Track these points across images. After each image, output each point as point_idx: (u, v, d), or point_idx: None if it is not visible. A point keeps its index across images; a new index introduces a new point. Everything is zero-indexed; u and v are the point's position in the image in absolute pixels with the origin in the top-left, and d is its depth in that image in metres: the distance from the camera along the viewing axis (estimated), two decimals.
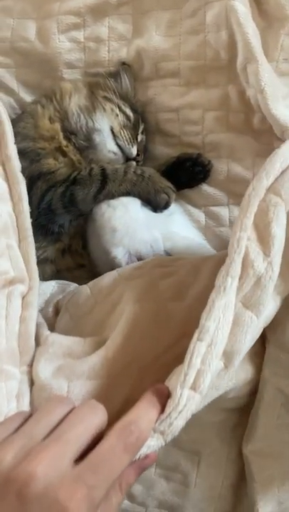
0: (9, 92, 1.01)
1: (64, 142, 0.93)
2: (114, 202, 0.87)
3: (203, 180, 0.95)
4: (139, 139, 0.97)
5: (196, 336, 0.56)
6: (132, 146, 0.94)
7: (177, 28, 0.94)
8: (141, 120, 0.98)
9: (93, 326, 0.73)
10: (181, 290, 0.69)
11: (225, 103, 0.94)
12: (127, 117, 0.96)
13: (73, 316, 0.76)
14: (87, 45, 0.97)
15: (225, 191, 0.96)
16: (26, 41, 0.98)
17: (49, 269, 0.90)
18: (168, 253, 0.86)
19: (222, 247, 0.94)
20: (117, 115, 0.95)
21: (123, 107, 0.96)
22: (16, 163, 0.81)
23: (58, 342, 0.69)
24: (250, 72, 0.86)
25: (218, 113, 0.95)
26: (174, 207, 0.93)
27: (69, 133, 0.94)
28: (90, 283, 0.79)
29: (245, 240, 0.59)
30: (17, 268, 0.74)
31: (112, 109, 0.95)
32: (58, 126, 0.94)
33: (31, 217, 0.84)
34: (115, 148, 0.93)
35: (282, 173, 0.63)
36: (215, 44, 0.92)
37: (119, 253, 0.83)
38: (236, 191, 0.96)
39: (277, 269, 0.60)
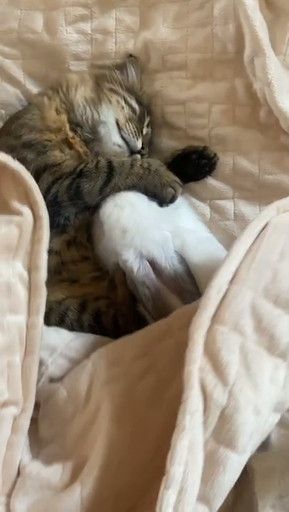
0: (16, 83, 1.01)
1: (70, 134, 0.93)
2: (120, 201, 0.85)
3: (209, 173, 0.95)
4: (144, 132, 0.96)
5: (163, 484, 0.51)
6: (137, 139, 0.93)
7: (184, 20, 0.94)
8: (146, 113, 0.98)
9: (74, 439, 0.70)
10: (159, 393, 0.65)
11: (231, 96, 0.94)
12: (133, 110, 0.96)
13: (54, 423, 0.73)
14: (94, 36, 0.97)
15: (230, 185, 0.96)
16: (33, 32, 0.98)
17: (54, 261, 0.90)
18: (178, 254, 0.84)
19: (227, 241, 0.94)
20: (123, 107, 0.94)
21: (129, 100, 0.96)
22: (43, 275, 0.75)
23: (36, 473, 0.66)
24: (257, 65, 0.86)
25: (225, 106, 0.94)
26: (179, 200, 0.92)
27: (75, 125, 0.94)
28: (66, 382, 0.75)
29: (195, 373, 0.55)
30: (13, 389, 0.71)
31: (117, 102, 0.95)
32: (64, 117, 0.93)
33: None
34: (120, 141, 0.93)
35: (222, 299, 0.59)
36: (222, 37, 0.92)
37: (130, 256, 0.81)
38: (242, 185, 0.96)
39: (252, 394, 0.55)
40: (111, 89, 0.96)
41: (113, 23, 0.97)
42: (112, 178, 0.86)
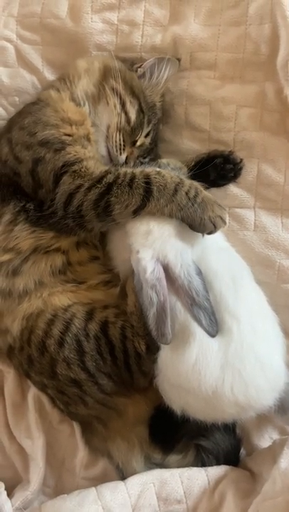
0: (33, 70, 0.96)
1: (91, 130, 0.86)
2: None
3: (234, 179, 0.90)
4: (138, 143, 0.88)
5: None
6: (121, 154, 0.85)
7: (217, 17, 0.90)
8: (147, 122, 0.89)
9: None
10: None
11: (260, 100, 0.90)
12: (127, 120, 0.87)
13: None
14: (120, 27, 0.93)
15: (252, 193, 0.91)
16: (57, 18, 0.93)
17: (59, 260, 0.84)
18: (196, 265, 0.77)
19: (245, 252, 0.88)
20: (118, 114, 0.86)
21: (128, 106, 0.87)
22: None
23: None
24: None
25: (253, 110, 0.90)
26: None
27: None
28: None
29: None
30: None
31: (114, 106, 0.86)
32: (85, 110, 0.86)
33: (55, 215, 0.78)
34: (104, 151, 0.86)
35: None
36: (256, 37, 0.88)
37: (147, 256, 0.75)
38: (265, 194, 0.91)
39: None
40: (113, 89, 0.87)
41: (141, 14, 0.92)
42: (148, 202, 0.76)
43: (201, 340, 0.74)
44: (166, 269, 0.76)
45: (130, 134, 0.86)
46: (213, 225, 0.77)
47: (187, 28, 0.90)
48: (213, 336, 0.72)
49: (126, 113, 0.86)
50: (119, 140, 0.85)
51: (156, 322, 0.73)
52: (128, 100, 0.87)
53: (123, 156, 0.86)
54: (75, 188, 0.78)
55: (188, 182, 0.78)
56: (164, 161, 0.90)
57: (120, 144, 0.85)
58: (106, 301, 0.84)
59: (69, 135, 0.83)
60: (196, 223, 0.76)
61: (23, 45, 0.94)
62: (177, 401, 0.78)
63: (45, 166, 0.79)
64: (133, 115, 0.87)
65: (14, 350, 0.84)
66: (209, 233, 0.78)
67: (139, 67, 0.91)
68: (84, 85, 0.87)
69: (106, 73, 0.88)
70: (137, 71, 0.91)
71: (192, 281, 0.74)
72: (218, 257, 0.80)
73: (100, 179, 0.77)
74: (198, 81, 0.92)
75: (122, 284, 0.84)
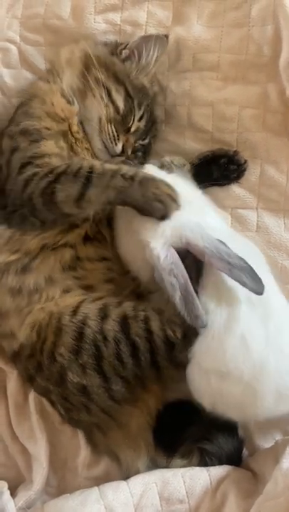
0: (36, 71, 0.96)
1: (76, 128, 0.85)
2: None
3: (237, 179, 0.90)
4: (133, 129, 0.88)
5: None
6: (116, 144, 0.85)
7: (220, 19, 0.90)
8: (138, 106, 0.87)
9: None
10: None
11: (263, 101, 0.90)
12: (116, 109, 0.86)
13: None
14: (123, 28, 0.93)
15: (255, 194, 0.92)
16: (59, 19, 0.93)
17: (68, 255, 0.83)
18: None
19: None
20: (107, 105, 0.85)
21: (114, 94, 0.86)
22: None
23: None
24: None
25: (255, 111, 0.90)
26: (204, 199, 0.86)
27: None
28: None
29: None
30: None
31: (101, 98, 0.85)
32: (75, 109, 0.86)
33: (15, 206, 0.79)
34: (100, 144, 0.86)
35: None
36: (258, 39, 0.88)
37: (158, 244, 0.74)
38: (267, 195, 0.91)
39: None
40: (96, 80, 0.86)
41: (144, 15, 0.93)
42: (86, 190, 0.75)
43: (244, 316, 0.73)
44: (191, 247, 0.75)
45: (122, 122, 0.86)
46: (162, 203, 0.74)
47: (190, 29, 0.91)
48: (260, 293, 0.71)
49: (113, 102, 0.86)
50: (112, 131, 0.85)
51: (185, 305, 0.73)
52: (113, 88, 0.86)
53: (119, 146, 0.86)
54: (32, 175, 0.79)
55: (126, 167, 0.77)
56: (167, 158, 0.90)
57: (113, 136, 0.85)
58: (118, 298, 0.81)
59: (48, 129, 0.83)
60: (140, 203, 0.75)
61: (26, 47, 0.95)
62: (209, 392, 0.75)
63: (18, 154, 0.80)
64: (121, 103, 0.86)
65: (21, 356, 0.82)
66: (162, 217, 0.75)
67: (124, 48, 0.90)
68: (68, 78, 0.87)
69: (87, 62, 0.87)
70: (121, 53, 0.89)
71: (219, 247, 0.73)
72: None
73: (52, 170, 0.78)
74: (200, 82, 0.92)
75: (133, 287, 0.84)
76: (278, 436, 0.91)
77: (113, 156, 0.86)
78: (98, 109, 0.85)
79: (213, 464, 0.83)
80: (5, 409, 0.94)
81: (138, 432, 0.82)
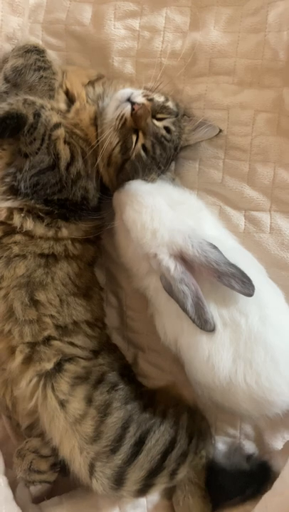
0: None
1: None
2: (138, 206, 0.82)
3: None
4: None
5: None
6: None
7: (237, 24, 0.92)
8: None
9: None
10: None
11: (278, 105, 0.91)
12: None
13: None
14: (141, 33, 0.95)
15: (268, 196, 0.93)
16: (81, 25, 0.96)
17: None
18: (206, 240, 0.79)
19: (260, 254, 0.90)
20: None
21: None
22: None
23: None
24: None
25: (270, 115, 0.91)
26: (199, 204, 0.89)
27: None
28: None
29: None
30: None
31: None
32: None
33: None
34: None
35: None
36: (274, 44, 0.89)
37: (165, 255, 0.78)
38: (280, 198, 0.92)
39: None
40: None
41: (162, 21, 0.95)
42: None
43: (212, 336, 0.77)
44: (182, 256, 0.78)
45: None
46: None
47: (207, 34, 0.92)
48: (251, 295, 0.74)
49: None
50: None
51: (196, 312, 0.76)
52: None
53: None
54: None
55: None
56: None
57: None
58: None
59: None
60: None
61: (48, 51, 0.97)
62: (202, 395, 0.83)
63: None
64: None
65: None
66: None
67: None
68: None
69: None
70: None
71: (208, 255, 0.76)
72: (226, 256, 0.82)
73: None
74: (216, 86, 0.94)
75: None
76: (288, 436, 0.92)
77: None
78: None
79: None
80: None
81: None
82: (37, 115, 0.81)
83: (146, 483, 0.78)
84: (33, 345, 0.82)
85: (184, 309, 0.76)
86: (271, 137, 0.92)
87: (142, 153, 0.86)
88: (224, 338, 0.77)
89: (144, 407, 0.85)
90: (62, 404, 0.79)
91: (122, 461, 0.77)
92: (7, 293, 0.82)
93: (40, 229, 0.84)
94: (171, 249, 0.79)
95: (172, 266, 0.77)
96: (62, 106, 0.88)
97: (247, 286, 0.74)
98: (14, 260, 0.83)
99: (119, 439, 0.78)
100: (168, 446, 0.81)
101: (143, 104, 0.84)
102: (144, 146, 0.85)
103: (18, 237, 0.84)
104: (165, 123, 0.87)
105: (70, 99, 0.89)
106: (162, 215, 0.81)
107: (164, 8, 0.95)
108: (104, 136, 0.85)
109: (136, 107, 0.83)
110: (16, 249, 0.83)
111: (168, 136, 0.87)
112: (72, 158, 0.84)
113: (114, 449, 0.78)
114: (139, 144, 0.85)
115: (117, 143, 0.85)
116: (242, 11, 0.92)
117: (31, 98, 0.82)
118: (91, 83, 0.92)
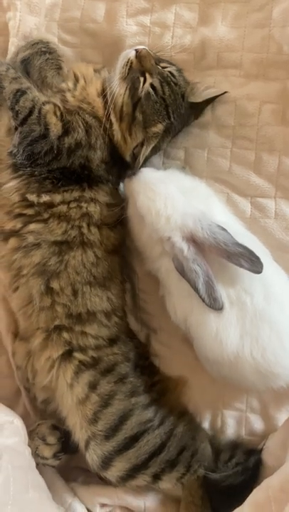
0: None
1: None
2: (152, 194, 0.86)
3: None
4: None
5: None
6: None
7: (243, 20, 0.96)
8: None
9: None
10: None
11: (282, 97, 0.96)
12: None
13: None
14: (152, 29, 1.00)
15: (273, 184, 0.98)
16: (94, 22, 1.01)
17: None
18: (215, 222, 0.84)
19: (266, 239, 0.95)
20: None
21: None
22: None
23: None
24: None
25: (275, 106, 0.96)
26: (208, 191, 0.94)
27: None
28: None
29: None
30: None
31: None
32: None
33: None
34: None
35: None
36: (279, 38, 0.94)
37: (178, 237, 0.83)
38: (285, 185, 0.97)
39: None
40: None
41: (172, 17, 0.99)
42: None
43: (220, 315, 0.82)
44: (193, 239, 0.83)
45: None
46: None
47: (215, 29, 0.97)
48: (260, 272, 0.80)
49: None
50: None
51: (206, 290, 0.81)
52: None
53: None
54: None
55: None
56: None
57: None
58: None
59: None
60: None
61: (64, 48, 1.03)
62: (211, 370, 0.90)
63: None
64: None
65: None
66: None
67: None
68: None
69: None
70: None
71: (217, 236, 0.81)
72: None
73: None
74: (224, 79, 0.99)
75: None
76: None
77: None
78: None
79: None
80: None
81: None
82: (21, 91, 0.87)
83: (129, 474, 0.86)
84: (47, 331, 0.89)
85: (195, 288, 0.81)
86: (276, 127, 0.97)
87: (151, 90, 0.88)
88: (231, 316, 0.83)
89: (150, 402, 0.91)
90: (70, 386, 0.87)
91: (113, 449, 0.85)
92: (27, 280, 0.88)
93: (57, 196, 0.88)
94: (183, 232, 0.83)
95: (185, 247, 0.82)
96: (71, 85, 0.93)
97: (255, 264, 0.79)
98: (32, 249, 0.87)
99: (114, 429, 0.85)
100: (156, 449, 0.86)
101: (145, 48, 0.89)
102: (152, 85, 0.88)
103: (32, 226, 0.87)
104: (169, 69, 0.91)
105: (77, 80, 0.94)
106: (175, 202, 0.86)
107: (173, 5, 0.99)
108: (112, 88, 0.88)
109: (139, 49, 0.88)
110: (31, 238, 0.87)
111: (174, 79, 0.91)
112: (67, 131, 0.87)
113: (108, 436, 0.85)
114: (147, 83, 0.88)
115: (126, 88, 0.88)
116: (248, 7, 0.96)
117: (22, 80, 0.89)
118: (97, 70, 0.97)
